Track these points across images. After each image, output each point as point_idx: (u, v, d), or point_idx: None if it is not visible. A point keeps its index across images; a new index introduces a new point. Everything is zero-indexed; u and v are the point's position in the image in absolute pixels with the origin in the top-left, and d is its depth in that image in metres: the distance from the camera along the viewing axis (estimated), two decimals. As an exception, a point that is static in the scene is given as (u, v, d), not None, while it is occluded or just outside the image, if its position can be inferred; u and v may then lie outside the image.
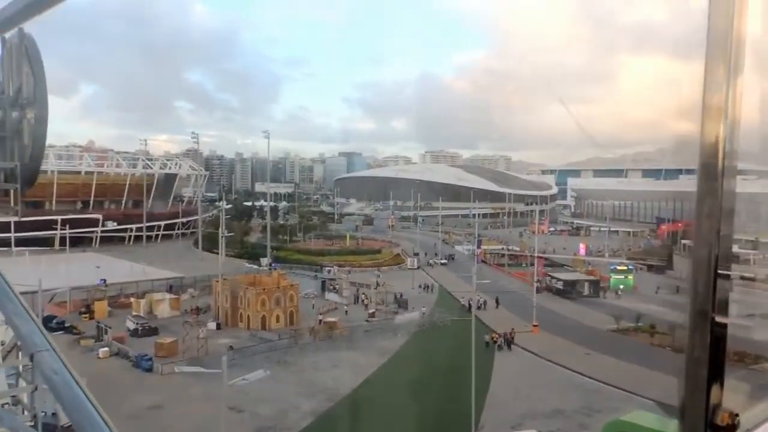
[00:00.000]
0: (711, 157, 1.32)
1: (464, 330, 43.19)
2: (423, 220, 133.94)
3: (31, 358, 3.64)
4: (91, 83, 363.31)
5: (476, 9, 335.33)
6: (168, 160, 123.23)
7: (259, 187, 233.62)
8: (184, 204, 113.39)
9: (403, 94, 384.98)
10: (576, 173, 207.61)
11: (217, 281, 52.84)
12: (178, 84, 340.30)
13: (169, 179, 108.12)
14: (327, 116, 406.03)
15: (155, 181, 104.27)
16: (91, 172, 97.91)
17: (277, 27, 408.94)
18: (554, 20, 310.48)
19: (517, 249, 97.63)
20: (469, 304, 52.68)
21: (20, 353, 7.94)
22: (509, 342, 45.66)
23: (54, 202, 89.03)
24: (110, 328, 44.18)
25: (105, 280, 55.89)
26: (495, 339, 45.55)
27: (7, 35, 8.16)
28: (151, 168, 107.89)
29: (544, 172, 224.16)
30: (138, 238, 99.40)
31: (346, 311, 54.58)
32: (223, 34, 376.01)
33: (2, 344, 7.90)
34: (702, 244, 1.34)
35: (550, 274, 67.30)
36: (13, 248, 73.69)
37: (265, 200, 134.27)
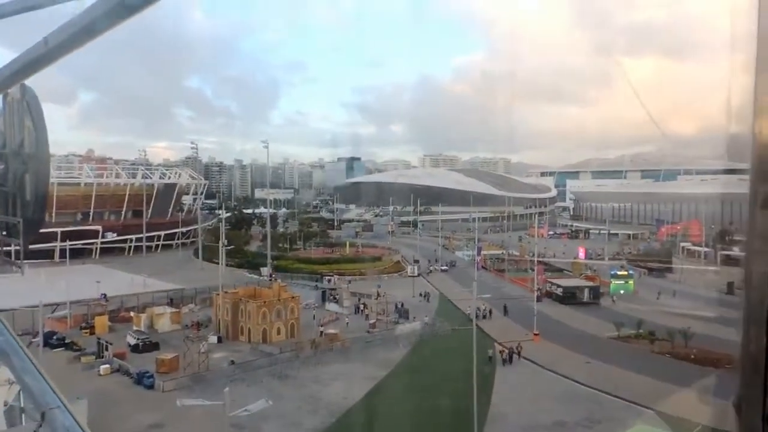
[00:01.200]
0: (765, 162, 1.29)
1: (466, 340, 43.27)
2: (423, 225, 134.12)
3: (42, 416, 3.57)
4: (91, 90, 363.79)
5: (473, 12, 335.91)
6: (167, 169, 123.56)
7: (258, 194, 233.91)
8: (183, 213, 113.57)
9: (401, 97, 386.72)
10: (575, 175, 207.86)
11: (218, 294, 52.86)
12: (177, 91, 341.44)
13: (169, 189, 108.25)
14: (326, 121, 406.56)
15: (155, 191, 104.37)
16: (91, 183, 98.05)
17: (275, 33, 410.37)
18: (553, 22, 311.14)
19: (517, 254, 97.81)
20: (476, 314, 53.04)
21: (24, 415, 7.99)
22: (516, 355, 44.54)
23: (54, 214, 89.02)
24: (111, 344, 44.16)
25: (105, 295, 55.96)
26: (501, 353, 44.57)
27: (10, 90, 8.24)
28: (151, 177, 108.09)
29: (543, 174, 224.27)
30: (138, 249, 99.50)
31: (347, 323, 54.58)
32: (222, 41, 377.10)
33: (5, 405, 7.93)
34: (757, 242, 1.31)
35: (550, 280, 67.34)
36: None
37: (265, 207, 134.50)
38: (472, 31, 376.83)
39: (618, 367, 41.33)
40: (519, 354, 44.48)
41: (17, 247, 7.15)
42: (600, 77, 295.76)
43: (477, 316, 53.24)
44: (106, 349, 43.80)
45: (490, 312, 56.64)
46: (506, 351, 44.79)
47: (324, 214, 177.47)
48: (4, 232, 7.91)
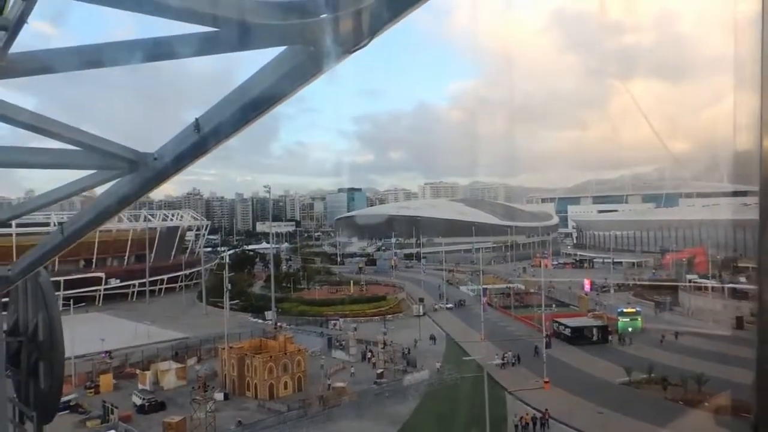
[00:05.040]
0: None
1: (476, 389, 42.65)
2: (425, 258, 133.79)
3: None
4: (89, 124, 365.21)
5: (466, 40, 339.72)
6: (169, 211, 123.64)
7: (260, 227, 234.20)
8: (186, 255, 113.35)
9: (399, 125, 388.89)
10: (575, 201, 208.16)
11: (223, 349, 52.40)
12: (176, 124, 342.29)
13: (172, 231, 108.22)
14: (325, 150, 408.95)
15: (158, 235, 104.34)
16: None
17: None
18: (546, 48, 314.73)
19: (522, 287, 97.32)
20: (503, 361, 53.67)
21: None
22: (543, 424, 40.50)
23: (57, 263, 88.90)
24: (116, 407, 43.57)
25: (109, 353, 55.52)
26: (525, 421, 40.67)
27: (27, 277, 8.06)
28: (153, 220, 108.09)
29: (544, 200, 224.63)
30: (141, 294, 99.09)
31: (352, 372, 53.98)
32: (219, 75, 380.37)
33: None
34: None
35: (557, 320, 66.73)
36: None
37: (267, 241, 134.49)
38: (466, 59, 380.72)
39: (632, 418, 40.63)
40: (546, 423, 40.67)
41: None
42: (595, 100, 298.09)
43: (504, 365, 53.16)
44: (112, 413, 43.21)
45: (518, 358, 55.03)
46: (528, 418, 40.91)
47: (326, 248, 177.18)
48: (17, 419, 7.65)
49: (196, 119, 4.79)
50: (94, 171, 6.63)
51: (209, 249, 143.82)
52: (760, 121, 1.24)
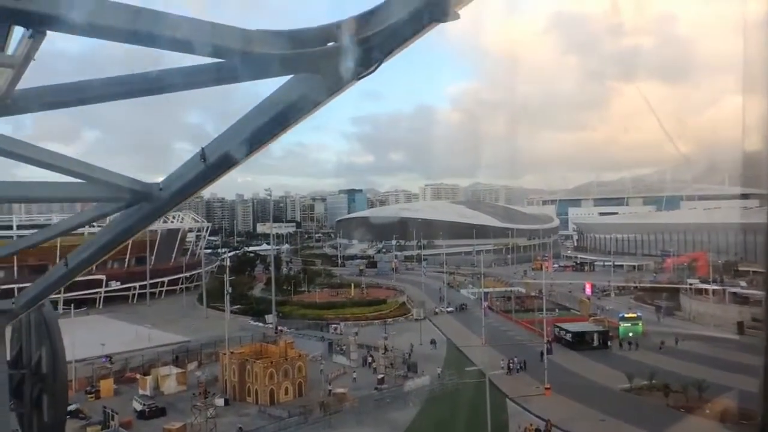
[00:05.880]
0: None
1: (478, 395, 42.55)
2: (426, 260, 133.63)
3: None
4: (93, 129, 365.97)
5: (466, 42, 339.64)
6: (170, 213, 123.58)
7: (260, 228, 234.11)
8: (187, 257, 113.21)
9: (400, 126, 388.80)
10: (576, 203, 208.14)
11: (224, 354, 52.31)
12: (178, 126, 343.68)
13: (172, 234, 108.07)
14: (326, 151, 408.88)
15: (158, 237, 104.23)
16: (94, 232, 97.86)
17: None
18: (547, 50, 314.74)
19: (523, 291, 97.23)
20: (509, 367, 52.98)
21: None
22: None
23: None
24: (117, 413, 43.47)
25: (110, 358, 55.43)
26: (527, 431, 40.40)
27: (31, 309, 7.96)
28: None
29: (545, 202, 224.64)
30: (142, 296, 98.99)
31: (354, 378, 53.90)
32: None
33: None
34: None
35: (558, 324, 66.63)
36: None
37: (267, 243, 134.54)
38: (467, 60, 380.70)
39: (635, 426, 40.51)
40: None
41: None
42: (596, 102, 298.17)
43: (509, 370, 52.89)
44: (112, 419, 43.13)
45: (524, 364, 54.51)
46: (532, 429, 40.52)
47: (327, 250, 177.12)
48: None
49: (202, 149, 4.77)
50: (99, 203, 6.60)
51: (210, 250, 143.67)
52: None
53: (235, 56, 3.23)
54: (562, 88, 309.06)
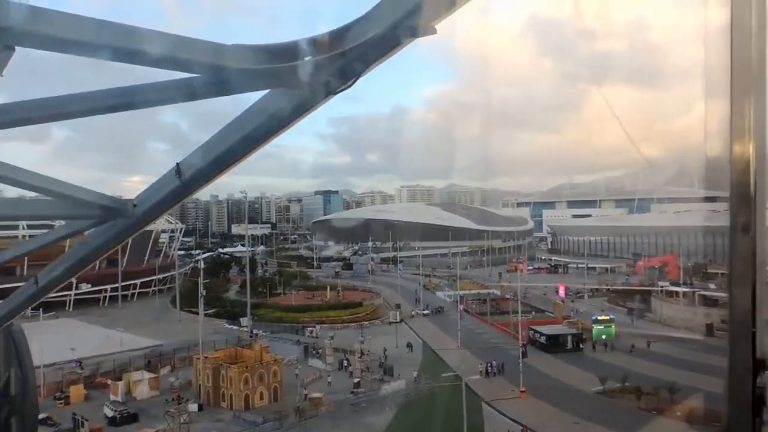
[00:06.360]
0: (744, 186, 1.25)
1: (453, 399, 42.74)
2: (402, 262, 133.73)
3: None
4: (63, 127, 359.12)
5: (442, 44, 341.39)
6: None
7: (235, 229, 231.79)
8: (160, 259, 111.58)
9: (376, 127, 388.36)
10: (551, 205, 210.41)
11: (198, 358, 51.62)
12: (152, 125, 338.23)
13: (145, 235, 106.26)
14: (302, 152, 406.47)
15: (130, 239, 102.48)
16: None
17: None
18: (522, 53, 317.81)
19: (498, 293, 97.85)
20: (487, 371, 53.54)
21: None
22: None
23: (26, 267, 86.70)
24: (87, 420, 42.60)
25: (80, 363, 54.29)
26: None
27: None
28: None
29: (519, 204, 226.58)
30: (113, 299, 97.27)
31: (330, 382, 53.66)
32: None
33: None
34: (739, 283, 1.30)
35: (533, 327, 67.22)
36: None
37: (242, 244, 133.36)
38: (443, 62, 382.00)
39: (608, 428, 41.08)
40: None
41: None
42: (568, 105, 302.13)
43: (486, 373, 53.21)
44: (82, 425, 42.25)
45: (502, 367, 54.86)
46: None
47: (303, 251, 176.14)
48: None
49: (177, 164, 4.67)
50: (69, 221, 6.39)
51: (183, 252, 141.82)
52: (730, 128, 1.27)
53: (210, 71, 3.18)
54: (536, 90, 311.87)
